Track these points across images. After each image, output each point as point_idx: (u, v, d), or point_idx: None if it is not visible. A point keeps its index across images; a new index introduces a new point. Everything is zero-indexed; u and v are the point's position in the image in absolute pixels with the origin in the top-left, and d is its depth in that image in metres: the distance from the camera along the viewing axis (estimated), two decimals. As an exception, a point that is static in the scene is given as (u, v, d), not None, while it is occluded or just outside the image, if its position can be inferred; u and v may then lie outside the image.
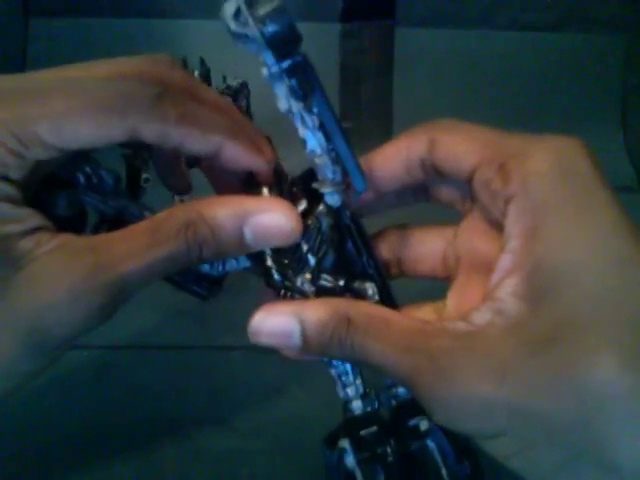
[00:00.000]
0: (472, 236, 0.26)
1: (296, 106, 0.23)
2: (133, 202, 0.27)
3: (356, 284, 0.26)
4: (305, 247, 0.26)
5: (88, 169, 0.26)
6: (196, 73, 0.41)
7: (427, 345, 0.22)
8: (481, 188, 0.24)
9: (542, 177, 0.22)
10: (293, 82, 0.22)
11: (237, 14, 0.20)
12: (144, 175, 0.34)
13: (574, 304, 0.21)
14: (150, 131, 0.24)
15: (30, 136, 0.22)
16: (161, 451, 0.40)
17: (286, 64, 0.22)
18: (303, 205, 0.26)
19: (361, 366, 0.26)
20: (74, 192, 0.26)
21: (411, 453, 0.27)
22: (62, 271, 0.22)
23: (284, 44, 0.21)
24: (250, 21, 0.20)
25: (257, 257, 0.26)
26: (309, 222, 0.25)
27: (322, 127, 0.23)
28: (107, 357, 0.43)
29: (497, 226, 0.24)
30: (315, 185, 0.25)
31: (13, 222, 0.22)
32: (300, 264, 0.26)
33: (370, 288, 0.26)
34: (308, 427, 0.39)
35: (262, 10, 0.20)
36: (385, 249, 0.29)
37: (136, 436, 0.40)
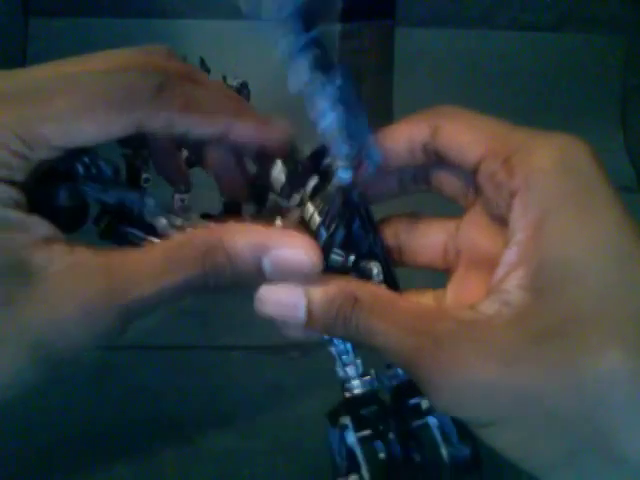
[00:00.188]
0: (473, 231, 0.26)
1: (318, 78, 0.23)
2: (133, 191, 0.27)
3: (362, 263, 0.26)
4: (317, 221, 0.26)
5: (86, 160, 0.26)
6: (196, 73, 0.41)
7: (432, 328, 0.22)
8: (486, 180, 0.24)
9: (547, 173, 0.22)
10: (319, 52, 0.22)
11: None
12: (144, 175, 0.34)
13: (578, 299, 0.21)
14: (156, 121, 0.24)
15: (35, 137, 0.22)
16: (161, 451, 0.40)
17: (314, 34, 0.22)
18: (315, 181, 0.26)
19: (363, 346, 0.25)
20: (74, 183, 0.26)
21: (412, 432, 0.27)
22: (74, 293, 0.22)
23: (314, 14, 0.21)
24: None
25: None
26: (320, 198, 0.26)
27: (343, 101, 0.23)
28: (107, 357, 0.43)
29: (499, 221, 0.24)
30: (328, 160, 0.25)
31: (22, 231, 0.22)
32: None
33: (375, 267, 0.26)
34: (308, 427, 0.39)
35: None
36: (387, 236, 0.29)
37: (136, 436, 0.40)
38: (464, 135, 0.25)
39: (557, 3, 0.65)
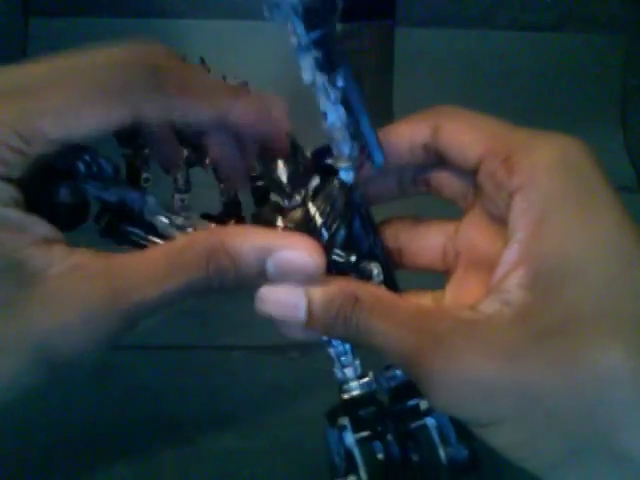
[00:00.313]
0: (473, 232, 0.26)
1: (321, 78, 0.23)
2: (134, 190, 0.27)
3: (362, 263, 0.26)
4: (319, 221, 0.26)
5: (87, 157, 0.26)
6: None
7: (432, 327, 0.22)
8: (486, 180, 0.24)
9: (547, 172, 0.22)
10: (320, 54, 0.22)
11: None
12: (144, 175, 0.34)
13: (579, 298, 0.21)
14: (153, 108, 0.24)
15: (32, 132, 0.22)
16: (161, 451, 0.40)
17: (315, 35, 0.21)
18: (316, 181, 0.26)
19: (363, 347, 0.25)
20: (75, 181, 0.26)
21: (410, 432, 0.27)
22: (76, 296, 0.22)
23: (317, 14, 0.21)
24: None
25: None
26: (322, 197, 0.26)
27: (344, 102, 0.23)
28: (107, 357, 0.43)
29: (499, 222, 0.24)
30: (331, 160, 0.25)
31: (21, 231, 0.22)
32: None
33: (375, 268, 0.26)
34: (308, 427, 0.39)
35: None
36: (388, 238, 0.29)
37: (136, 436, 0.40)
38: (464, 135, 0.25)
39: (557, 3, 0.65)
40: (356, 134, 0.24)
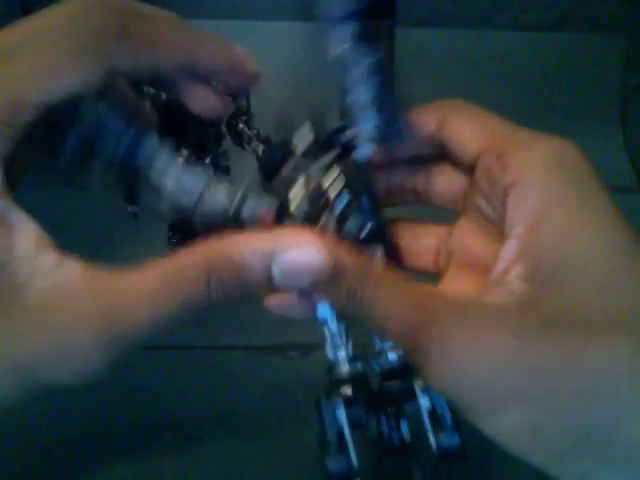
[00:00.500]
0: (465, 235, 0.27)
1: (352, 51, 0.23)
2: (144, 147, 0.26)
3: (367, 242, 0.26)
4: (332, 195, 0.26)
5: (100, 109, 0.25)
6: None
7: (436, 305, 0.22)
8: (482, 176, 0.24)
9: (543, 168, 0.22)
10: (357, 26, 0.22)
11: None
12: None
13: (580, 290, 0.21)
14: (123, 59, 0.23)
15: (15, 99, 0.21)
16: (161, 451, 0.40)
17: (355, 5, 0.22)
18: (331, 156, 0.26)
19: (361, 322, 0.24)
20: (85, 132, 0.25)
21: (402, 415, 0.27)
22: (63, 319, 0.21)
23: None
24: None
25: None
26: (339, 169, 0.26)
27: (372, 77, 0.23)
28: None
29: (492, 223, 0.25)
30: (349, 134, 0.25)
31: (8, 228, 0.21)
32: (325, 211, 0.26)
33: (379, 250, 0.26)
34: (308, 427, 0.39)
35: None
36: None
37: (136, 436, 0.40)
38: (466, 130, 0.25)
39: (557, 3, 0.65)
40: (381, 110, 0.24)
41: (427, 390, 0.25)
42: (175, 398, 0.42)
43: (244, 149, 0.34)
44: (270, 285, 0.22)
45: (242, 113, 0.34)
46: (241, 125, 0.34)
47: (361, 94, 0.24)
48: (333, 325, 0.27)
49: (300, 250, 0.22)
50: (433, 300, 0.22)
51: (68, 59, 0.22)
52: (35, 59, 0.22)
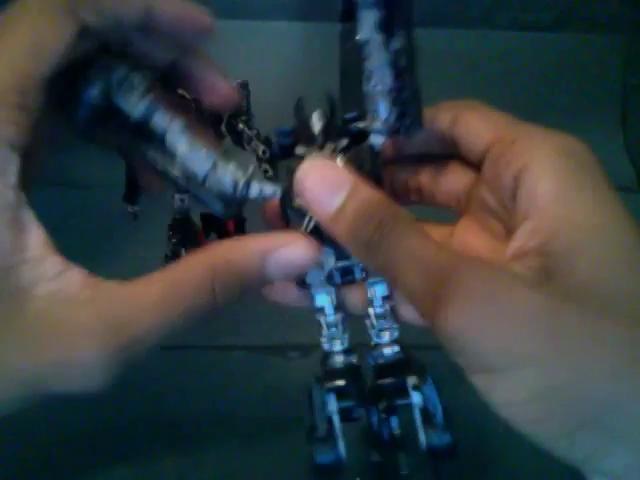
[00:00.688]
0: (468, 234, 0.27)
1: (378, 38, 0.23)
2: (163, 108, 0.26)
3: None
4: None
5: (122, 70, 0.25)
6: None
7: (459, 257, 0.22)
8: (490, 166, 0.25)
9: (553, 154, 0.23)
10: (382, 14, 0.22)
11: None
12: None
13: (595, 268, 0.21)
14: (91, 15, 0.23)
15: (26, 80, 0.21)
16: (161, 451, 0.40)
17: None
18: (345, 142, 0.26)
19: (372, 268, 0.25)
20: (108, 85, 0.25)
21: (394, 408, 0.26)
22: (67, 329, 0.21)
23: None
24: None
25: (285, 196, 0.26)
26: (350, 156, 0.25)
27: (394, 66, 0.23)
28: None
29: (496, 218, 0.25)
30: (362, 124, 0.25)
31: (17, 228, 0.21)
32: None
33: None
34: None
35: None
36: None
37: (135, 436, 0.40)
38: (478, 124, 0.26)
39: (557, 3, 0.65)
40: (397, 101, 0.24)
41: (420, 387, 0.25)
42: (175, 398, 0.43)
43: (244, 149, 0.34)
44: (266, 280, 0.24)
45: (242, 113, 0.34)
46: (241, 125, 0.34)
47: (378, 83, 0.24)
48: (330, 313, 0.27)
49: (292, 249, 0.24)
50: (457, 254, 0.22)
51: (46, 29, 0.22)
52: (20, 34, 0.22)
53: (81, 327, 0.21)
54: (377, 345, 0.27)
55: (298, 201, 0.25)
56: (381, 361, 0.27)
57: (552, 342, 0.20)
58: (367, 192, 0.23)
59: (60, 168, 0.53)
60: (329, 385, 0.26)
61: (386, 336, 0.27)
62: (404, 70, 0.23)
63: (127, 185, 0.33)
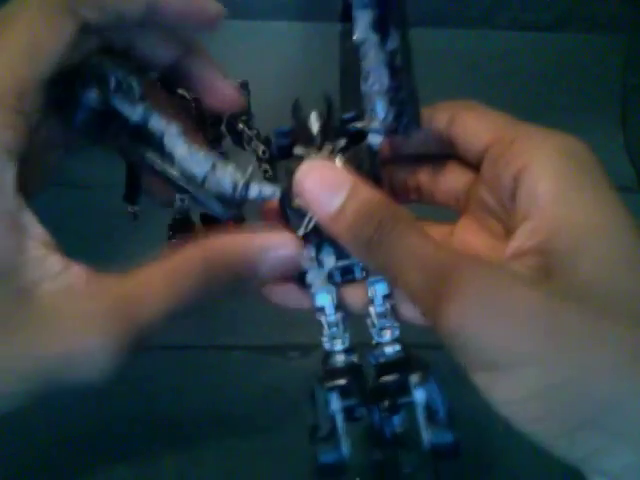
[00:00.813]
0: (467, 233, 0.27)
1: (373, 38, 0.23)
2: (158, 113, 0.26)
3: None
4: None
5: (119, 74, 0.25)
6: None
7: (460, 256, 0.22)
8: (489, 166, 0.25)
9: (553, 154, 0.23)
10: (377, 13, 0.22)
11: None
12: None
13: (596, 267, 0.21)
14: (92, 11, 0.23)
15: (17, 80, 0.21)
16: (159, 451, 0.40)
17: None
18: (343, 142, 0.26)
19: (370, 265, 0.25)
20: (105, 89, 0.25)
21: (396, 407, 0.26)
22: (76, 320, 0.21)
23: None
24: None
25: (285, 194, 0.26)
26: (348, 157, 0.26)
27: (391, 66, 0.23)
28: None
29: (495, 217, 0.25)
30: (364, 122, 0.25)
31: (18, 230, 0.21)
32: None
33: None
34: (308, 427, 0.39)
35: None
36: None
37: (135, 436, 0.40)
38: (476, 124, 0.25)
39: (557, 3, 0.65)
40: (394, 100, 0.24)
41: (422, 386, 0.25)
42: (174, 398, 0.43)
43: (244, 149, 0.34)
44: (256, 275, 0.24)
45: (242, 113, 0.34)
46: (241, 125, 0.34)
47: (375, 83, 0.24)
48: (330, 313, 0.27)
49: (283, 247, 0.24)
50: (457, 252, 0.22)
51: (46, 23, 0.22)
52: (17, 34, 0.22)
53: (86, 317, 0.21)
54: (378, 344, 0.27)
55: (297, 201, 0.25)
56: (382, 360, 0.27)
57: (552, 341, 0.20)
58: (367, 192, 0.23)
59: (60, 168, 0.52)
60: (330, 384, 0.26)
61: (387, 335, 0.27)
62: (400, 70, 0.23)
63: (127, 185, 0.33)
